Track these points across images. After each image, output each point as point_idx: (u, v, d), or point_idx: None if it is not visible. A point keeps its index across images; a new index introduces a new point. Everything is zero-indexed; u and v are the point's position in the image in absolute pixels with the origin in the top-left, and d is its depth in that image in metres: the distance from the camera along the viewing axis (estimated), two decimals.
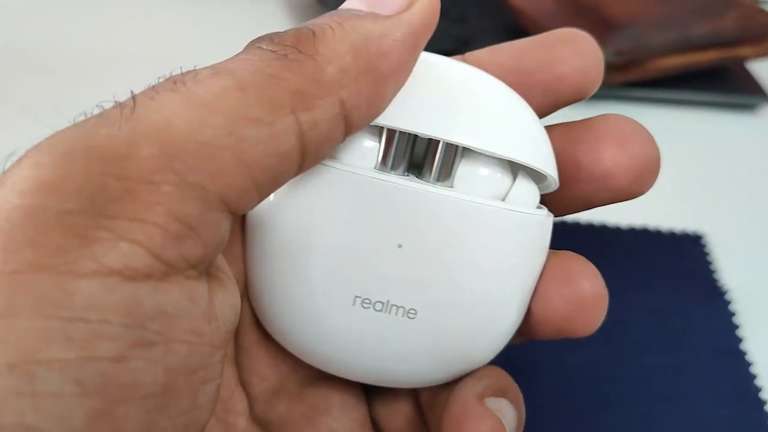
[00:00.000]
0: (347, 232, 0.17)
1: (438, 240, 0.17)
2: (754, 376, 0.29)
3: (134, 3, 0.50)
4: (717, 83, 0.46)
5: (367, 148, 0.17)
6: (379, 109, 0.16)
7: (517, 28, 0.46)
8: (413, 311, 0.17)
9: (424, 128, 0.16)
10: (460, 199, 0.17)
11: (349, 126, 0.15)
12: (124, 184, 0.12)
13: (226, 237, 0.14)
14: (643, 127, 0.18)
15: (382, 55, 0.15)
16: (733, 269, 0.34)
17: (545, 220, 0.18)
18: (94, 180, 0.12)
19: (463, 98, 0.17)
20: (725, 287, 0.33)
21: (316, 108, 0.14)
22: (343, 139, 0.15)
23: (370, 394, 0.20)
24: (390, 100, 0.16)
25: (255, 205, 0.15)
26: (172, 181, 0.13)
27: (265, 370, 0.19)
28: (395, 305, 0.17)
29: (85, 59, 0.44)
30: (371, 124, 0.16)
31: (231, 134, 0.13)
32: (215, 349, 0.14)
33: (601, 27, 0.42)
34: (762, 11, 0.45)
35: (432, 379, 0.19)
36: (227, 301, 0.15)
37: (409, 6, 0.15)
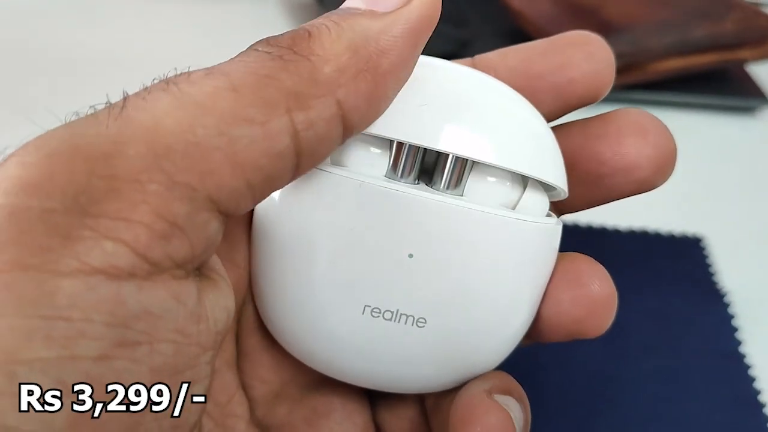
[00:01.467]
0: (357, 242, 0.17)
1: (449, 249, 0.16)
2: (753, 379, 0.29)
3: (134, 4, 0.50)
4: (717, 86, 0.45)
5: (377, 155, 0.17)
6: (380, 109, 0.15)
7: (516, 31, 0.46)
8: (422, 320, 0.17)
9: (433, 142, 0.16)
10: (471, 208, 0.16)
11: (349, 126, 0.15)
12: (109, 183, 0.12)
13: (218, 238, 0.14)
14: (659, 119, 0.18)
15: (380, 52, 0.15)
16: (733, 272, 0.34)
17: (555, 228, 0.18)
18: (79, 179, 0.12)
19: (472, 108, 0.17)
20: (724, 290, 0.33)
21: (312, 108, 0.14)
22: (342, 141, 0.15)
23: (375, 398, 0.20)
24: (391, 99, 0.16)
25: (250, 207, 0.14)
26: (159, 180, 0.13)
27: (267, 374, 0.19)
28: (404, 314, 0.17)
29: (85, 60, 0.43)
30: (380, 136, 0.16)
31: (223, 134, 0.13)
32: (203, 350, 0.14)
33: (600, 30, 0.42)
34: (762, 14, 0.45)
35: (439, 385, 0.19)
36: (219, 302, 0.15)
37: (408, 2, 0.15)
